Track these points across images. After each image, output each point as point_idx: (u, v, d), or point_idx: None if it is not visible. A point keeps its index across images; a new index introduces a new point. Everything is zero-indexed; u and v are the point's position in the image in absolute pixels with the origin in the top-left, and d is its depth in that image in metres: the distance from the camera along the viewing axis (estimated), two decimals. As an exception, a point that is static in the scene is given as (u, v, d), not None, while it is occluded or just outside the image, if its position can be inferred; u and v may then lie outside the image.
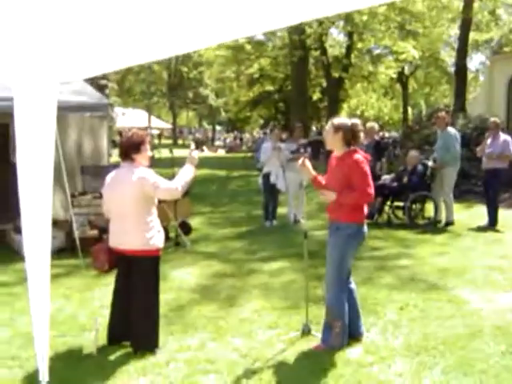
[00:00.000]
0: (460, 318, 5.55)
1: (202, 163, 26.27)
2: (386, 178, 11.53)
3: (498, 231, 10.07)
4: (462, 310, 5.80)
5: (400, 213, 11.09)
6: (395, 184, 11.15)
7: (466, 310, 5.83)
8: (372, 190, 4.75)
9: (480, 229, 10.28)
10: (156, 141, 46.15)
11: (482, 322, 5.43)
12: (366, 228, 4.88)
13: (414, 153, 11.32)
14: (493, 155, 10.33)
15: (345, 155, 4.83)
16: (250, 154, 31.18)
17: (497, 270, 7.38)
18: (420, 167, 10.74)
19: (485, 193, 10.89)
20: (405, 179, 11.01)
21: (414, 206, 10.86)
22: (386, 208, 11.10)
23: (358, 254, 4.96)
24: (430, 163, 10.79)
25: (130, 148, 4.73)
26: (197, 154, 4.88)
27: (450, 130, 10.83)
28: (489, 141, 10.60)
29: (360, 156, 4.79)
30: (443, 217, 10.76)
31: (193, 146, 4.96)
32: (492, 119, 11.15)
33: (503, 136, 10.53)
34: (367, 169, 4.77)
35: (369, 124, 12.32)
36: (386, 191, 10.97)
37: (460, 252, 8.50)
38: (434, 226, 10.52)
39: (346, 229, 4.77)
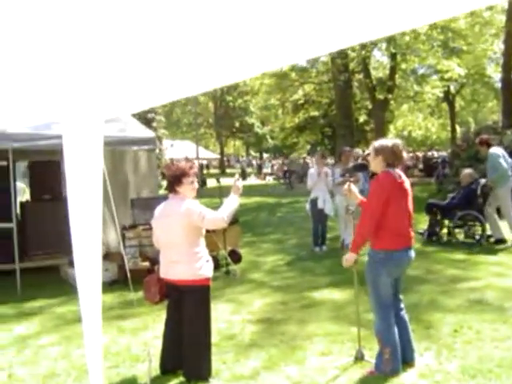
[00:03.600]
0: (518, 340, 5.40)
1: (250, 191, 26.29)
2: (449, 196, 11.39)
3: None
4: (521, 332, 5.63)
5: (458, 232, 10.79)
6: (444, 203, 10.99)
7: (525, 331, 5.65)
8: (371, 215, 4.67)
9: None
10: (205, 171, 46.67)
11: (542, 344, 5.26)
12: (405, 253, 4.75)
13: (467, 171, 10.98)
14: None
15: (376, 177, 4.81)
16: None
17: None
18: (473, 186, 10.45)
19: None
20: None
21: (461, 224, 10.57)
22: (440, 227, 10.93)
23: (409, 277, 4.88)
24: (484, 181, 10.45)
25: (172, 181, 4.83)
26: (241, 184, 4.96)
27: (493, 150, 10.44)
28: None
29: (383, 177, 4.68)
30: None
31: (237, 175, 5.04)
32: None
33: None
34: (379, 191, 4.65)
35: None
36: (434, 209, 10.81)
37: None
38: (480, 245, 10.24)
39: (374, 256, 4.76)
